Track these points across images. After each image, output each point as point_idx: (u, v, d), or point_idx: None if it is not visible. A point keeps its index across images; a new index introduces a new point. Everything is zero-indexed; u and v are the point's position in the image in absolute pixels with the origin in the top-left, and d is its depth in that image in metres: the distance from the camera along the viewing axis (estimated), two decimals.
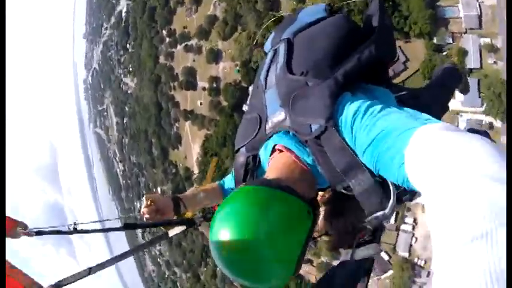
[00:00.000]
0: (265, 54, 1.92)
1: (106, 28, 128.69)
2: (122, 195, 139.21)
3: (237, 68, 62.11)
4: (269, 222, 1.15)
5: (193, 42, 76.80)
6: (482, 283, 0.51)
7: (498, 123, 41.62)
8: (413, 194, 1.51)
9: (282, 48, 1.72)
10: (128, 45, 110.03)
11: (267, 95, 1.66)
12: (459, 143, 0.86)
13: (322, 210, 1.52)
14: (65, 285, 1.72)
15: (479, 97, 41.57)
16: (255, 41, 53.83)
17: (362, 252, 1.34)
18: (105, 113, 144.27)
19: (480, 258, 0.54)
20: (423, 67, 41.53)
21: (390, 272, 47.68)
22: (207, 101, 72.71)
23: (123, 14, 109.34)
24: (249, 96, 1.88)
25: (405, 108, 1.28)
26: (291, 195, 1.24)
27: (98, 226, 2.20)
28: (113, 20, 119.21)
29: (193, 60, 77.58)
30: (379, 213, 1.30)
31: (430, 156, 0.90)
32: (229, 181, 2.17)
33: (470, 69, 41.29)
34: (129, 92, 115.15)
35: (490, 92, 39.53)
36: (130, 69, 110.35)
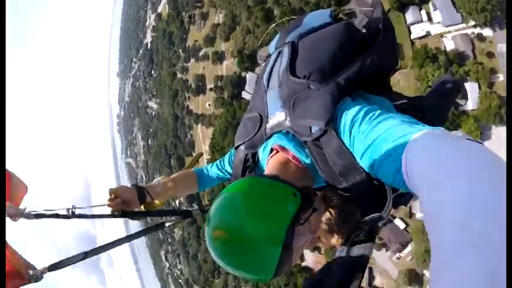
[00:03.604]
0: (268, 55, 1.96)
1: (135, 62, 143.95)
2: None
3: (236, 59, 69.68)
4: (250, 202, 1.21)
5: (203, 52, 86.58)
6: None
7: (488, 32, 41.34)
8: (409, 197, 1.59)
9: (286, 51, 1.76)
10: (152, 71, 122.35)
11: (269, 96, 1.70)
12: (452, 148, 0.87)
13: (328, 213, 1.54)
14: (59, 268, 1.69)
15: (458, 12, 42.00)
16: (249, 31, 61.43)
17: (357, 250, 1.35)
18: (134, 141, 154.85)
19: (472, 263, 0.54)
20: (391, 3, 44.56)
21: (410, 247, 43.86)
22: (214, 100, 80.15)
23: (149, 45, 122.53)
24: (251, 96, 1.91)
25: (403, 115, 1.27)
26: (276, 180, 1.30)
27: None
28: (141, 52, 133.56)
29: (203, 68, 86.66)
30: (376, 214, 1.35)
31: (425, 161, 0.90)
32: (213, 169, 2.24)
33: None
34: (153, 114, 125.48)
35: (465, 1, 39.93)
36: (154, 92, 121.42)
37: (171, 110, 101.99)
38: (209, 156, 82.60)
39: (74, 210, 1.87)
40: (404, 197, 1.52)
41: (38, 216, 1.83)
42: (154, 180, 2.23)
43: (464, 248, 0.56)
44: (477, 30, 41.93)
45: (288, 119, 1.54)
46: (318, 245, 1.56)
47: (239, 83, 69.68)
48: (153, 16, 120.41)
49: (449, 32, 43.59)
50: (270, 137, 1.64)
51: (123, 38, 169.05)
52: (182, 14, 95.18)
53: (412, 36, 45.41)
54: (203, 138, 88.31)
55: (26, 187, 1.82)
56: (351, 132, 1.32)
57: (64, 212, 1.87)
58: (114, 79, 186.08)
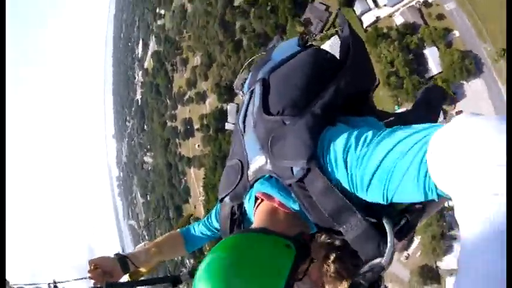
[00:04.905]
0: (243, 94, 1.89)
1: (129, 121, 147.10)
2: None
3: (216, 94, 71.65)
4: (239, 264, 1.10)
5: (187, 95, 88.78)
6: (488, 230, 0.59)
7: None
8: (412, 227, 1.38)
9: (257, 89, 1.67)
10: (144, 126, 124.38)
11: (246, 139, 1.59)
12: (486, 130, 0.79)
13: (322, 253, 1.36)
14: None
15: None
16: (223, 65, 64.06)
17: None
18: (134, 201, 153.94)
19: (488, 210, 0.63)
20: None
21: (416, 240, 40.68)
22: (201, 139, 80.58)
23: (139, 101, 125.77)
24: (231, 142, 1.79)
25: (399, 127, 1.14)
26: (264, 234, 1.21)
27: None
28: (133, 110, 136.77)
29: (189, 111, 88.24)
30: (376, 261, 1.19)
31: (459, 150, 0.81)
32: (200, 227, 2.09)
33: None
34: (149, 168, 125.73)
35: None
36: (148, 146, 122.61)
37: (164, 159, 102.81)
38: (203, 197, 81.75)
39: (56, 284, 1.85)
40: (407, 228, 1.33)
41: None
42: (138, 246, 2.12)
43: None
44: None
45: (268, 162, 1.42)
46: None
47: (222, 116, 71.06)
48: (140, 72, 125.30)
49: (398, 9, 45.85)
50: (253, 185, 1.51)
51: (116, 101, 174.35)
52: (165, 64, 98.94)
53: (364, 26, 47.41)
54: (197, 180, 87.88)
55: None
56: (346, 162, 1.17)
57: (45, 287, 1.86)
58: (111, 142, 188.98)
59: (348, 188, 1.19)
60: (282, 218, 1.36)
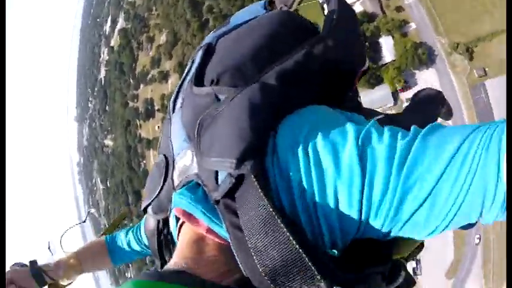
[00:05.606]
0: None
1: (91, 101, 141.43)
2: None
3: (178, 73, 69.03)
4: None
5: (150, 75, 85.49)
6: None
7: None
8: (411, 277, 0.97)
9: (197, 56, 1.09)
10: (106, 107, 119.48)
11: (173, 124, 1.03)
12: None
13: None
14: None
15: None
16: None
17: None
18: (95, 188, 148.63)
19: None
20: None
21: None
22: (162, 120, 77.07)
23: (103, 81, 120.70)
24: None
25: (443, 125, 0.72)
26: (181, 285, 0.71)
27: None
28: (96, 90, 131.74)
29: (151, 91, 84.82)
30: None
31: None
32: (128, 238, 1.65)
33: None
34: (109, 152, 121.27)
35: None
36: (109, 128, 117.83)
37: (124, 141, 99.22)
38: None
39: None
40: (407, 285, 0.92)
41: None
42: (60, 253, 1.81)
43: None
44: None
45: (194, 160, 0.88)
46: None
47: None
48: (106, 50, 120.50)
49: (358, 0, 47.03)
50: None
51: (80, 81, 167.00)
52: (131, 42, 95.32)
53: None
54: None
55: None
56: (363, 165, 0.68)
57: None
58: (73, 125, 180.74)
59: (353, 210, 0.69)
60: (212, 253, 0.83)
